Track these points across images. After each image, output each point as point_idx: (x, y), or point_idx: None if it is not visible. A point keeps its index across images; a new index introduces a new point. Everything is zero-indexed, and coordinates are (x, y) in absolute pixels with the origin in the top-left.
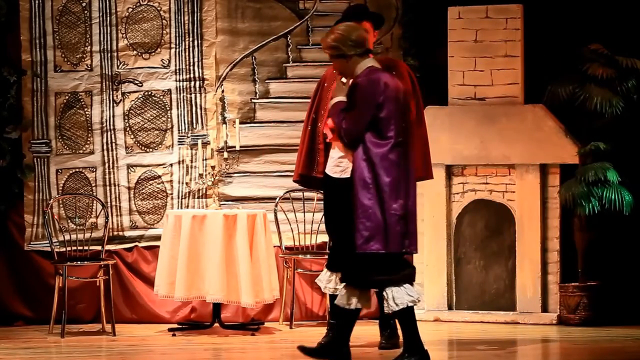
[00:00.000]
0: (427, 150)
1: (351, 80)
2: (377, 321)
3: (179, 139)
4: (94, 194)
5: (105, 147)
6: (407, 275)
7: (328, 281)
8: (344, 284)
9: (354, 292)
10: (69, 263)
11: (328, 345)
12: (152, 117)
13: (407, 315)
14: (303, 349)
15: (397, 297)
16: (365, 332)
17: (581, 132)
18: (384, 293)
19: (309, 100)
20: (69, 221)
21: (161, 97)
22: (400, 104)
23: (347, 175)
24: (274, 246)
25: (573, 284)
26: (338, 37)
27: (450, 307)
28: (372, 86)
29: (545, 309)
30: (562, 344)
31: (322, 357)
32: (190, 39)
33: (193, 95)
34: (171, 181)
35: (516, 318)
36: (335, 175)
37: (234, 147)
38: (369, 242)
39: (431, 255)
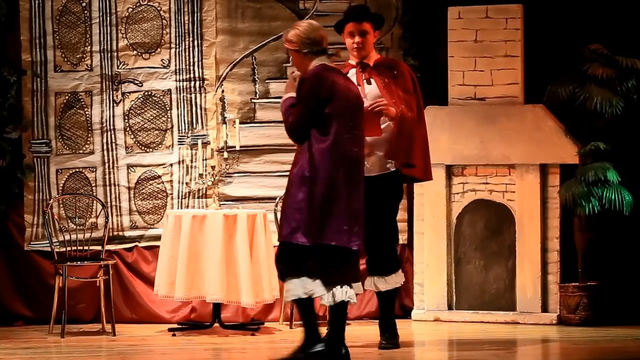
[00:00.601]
0: (427, 152)
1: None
2: (377, 321)
3: (179, 139)
4: (94, 194)
5: (105, 147)
6: (319, 268)
7: None
8: (286, 277)
9: (294, 282)
10: (69, 263)
11: (303, 346)
12: (152, 117)
13: (302, 305)
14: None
15: (290, 289)
16: (366, 332)
17: (581, 132)
18: (285, 283)
19: None
20: (69, 221)
21: (161, 97)
22: (350, 104)
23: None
24: (274, 246)
25: (573, 284)
26: (296, 33)
27: (450, 307)
28: (318, 82)
29: (545, 309)
30: (562, 344)
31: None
32: (190, 39)
33: (193, 95)
34: (171, 181)
35: (516, 318)
36: None
37: (234, 147)
38: (294, 233)
39: (431, 255)
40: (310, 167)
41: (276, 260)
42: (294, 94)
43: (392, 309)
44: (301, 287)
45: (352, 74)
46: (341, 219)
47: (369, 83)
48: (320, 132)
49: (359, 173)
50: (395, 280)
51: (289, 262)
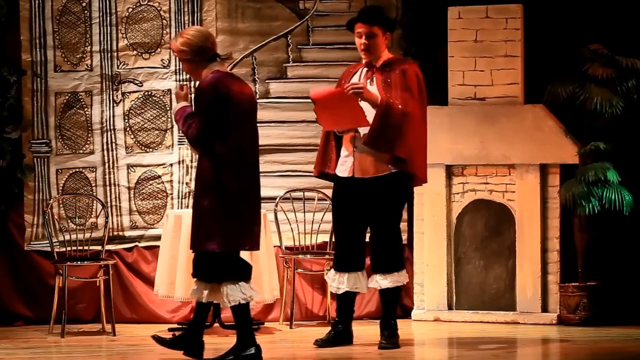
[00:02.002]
0: (422, 151)
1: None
2: (378, 321)
3: (179, 139)
4: (94, 194)
5: (105, 147)
6: (243, 273)
7: (332, 279)
8: (195, 278)
9: (204, 285)
10: (69, 263)
11: (183, 336)
12: (152, 117)
13: (240, 311)
14: (157, 339)
15: (230, 294)
16: (366, 332)
17: (581, 132)
18: (221, 289)
19: (309, 101)
20: (69, 221)
21: (161, 97)
22: (246, 107)
23: (347, 174)
24: (274, 246)
25: (573, 284)
26: (185, 41)
27: (450, 307)
28: (215, 90)
29: (545, 309)
30: (562, 344)
31: (176, 348)
32: None
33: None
34: (171, 181)
35: (516, 318)
36: (340, 173)
37: None
38: (205, 241)
39: (431, 255)
40: (213, 174)
41: (198, 268)
42: (186, 103)
43: (394, 308)
44: (240, 292)
45: (358, 74)
46: (247, 222)
47: (372, 84)
48: (220, 139)
49: (258, 176)
50: (397, 279)
51: (205, 269)
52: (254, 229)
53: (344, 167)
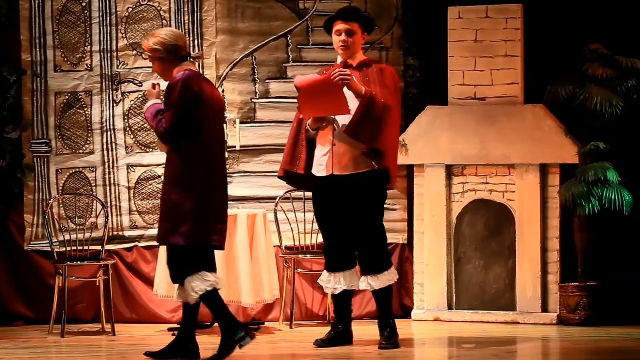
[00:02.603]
0: (396, 150)
1: (167, 83)
2: (377, 321)
3: None
4: (94, 194)
5: (105, 147)
6: (204, 264)
7: (327, 281)
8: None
9: (196, 279)
10: (69, 263)
11: (174, 344)
12: None
13: (211, 299)
14: (150, 354)
15: (194, 285)
16: (366, 332)
17: (581, 132)
18: (185, 285)
19: None
20: (69, 221)
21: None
22: (215, 109)
23: (326, 173)
24: (274, 246)
25: (573, 284)
26: (161, 41)
27: (450, 307)
28: (187, 88)
29: (545, 309)
30: (562, 344)
31: (170, 357)
32: (191, 39)
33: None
34: None
35: (516, 318)
36: (318, 174)
37: (235, 147)
38: (172, 234)
39: (431, 255)
40: (182, 170)
41: (168, 262)
42: (157, 101)
43: (389, 307)
44: (203, 281)
45: None
46: (214, 219)
47: None
48: (189, 136)
49: (224, 174)
50: (387, 278)
51: (177, 263)
52: (220, 226)
53: (321, 167)
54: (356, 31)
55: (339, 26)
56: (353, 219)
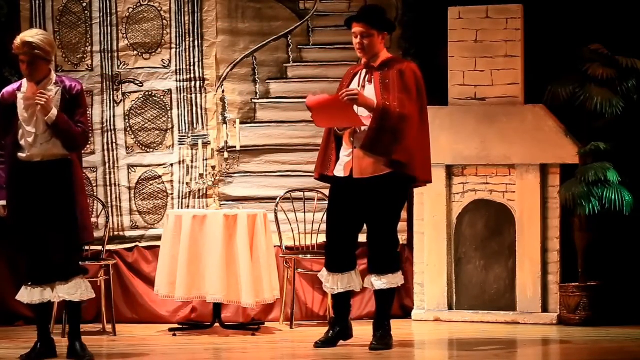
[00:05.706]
0: (425, 152)
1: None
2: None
3: (180, 139)
4: (95, 194)
5: (105, 147)
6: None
7: (326, 280)
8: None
9: (43, 286)
10: None
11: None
12: (152, 117)
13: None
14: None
15: (85, 287)
16: (366, 332)
17: (581, 132)
18: (75, 283)
19: None
20: None
21: (162, 97)
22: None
23: (344, 174)
24: (275, 246)
25: (573, 284)
26: (50, 42)
27: (450, 307)
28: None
29: (545, 309)
30: (562, 344)
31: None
32: (191, 39)
33: (193, 96)
34: (172, 181)
35: (516, 318)
36: (337, 174)
37: (235, 147)
38: (89, 233)
39: (431, 255)
40: (81, 171)
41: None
42: (57, 111)
43: (388, 309)
44: (84, 285)
45: (358, 76)
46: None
47: (370, 83)
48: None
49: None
50: (392, 280)
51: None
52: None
53: (341, 167)
54: (372, 33)
55: (355, 28)
56: (369, 220)
